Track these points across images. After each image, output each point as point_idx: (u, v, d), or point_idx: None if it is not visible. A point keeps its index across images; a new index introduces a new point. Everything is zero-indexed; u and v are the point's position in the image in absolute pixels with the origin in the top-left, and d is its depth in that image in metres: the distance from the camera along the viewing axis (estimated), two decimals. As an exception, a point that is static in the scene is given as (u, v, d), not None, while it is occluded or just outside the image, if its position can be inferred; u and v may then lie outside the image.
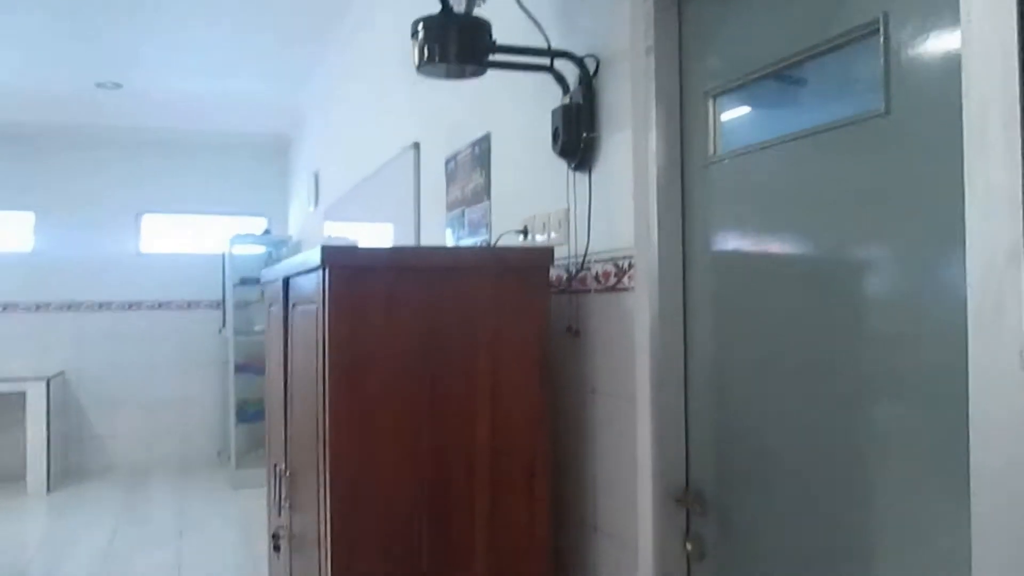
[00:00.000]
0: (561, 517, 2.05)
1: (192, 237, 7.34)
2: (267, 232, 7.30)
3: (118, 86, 5.66)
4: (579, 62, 1.89)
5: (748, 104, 1.58)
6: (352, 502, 1.71)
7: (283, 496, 2.08)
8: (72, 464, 6.74)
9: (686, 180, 1.70)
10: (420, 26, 1.86)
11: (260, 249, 7.05)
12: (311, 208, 6.24)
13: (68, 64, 5.20)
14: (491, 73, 1.99)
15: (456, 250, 2.45)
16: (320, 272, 1.73)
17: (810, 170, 1.38)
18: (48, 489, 6.11)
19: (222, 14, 4.38)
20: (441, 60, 1.85)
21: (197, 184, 7.19)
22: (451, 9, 1.84)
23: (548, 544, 1.90)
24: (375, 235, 4.35)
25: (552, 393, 1.92)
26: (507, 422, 1.83)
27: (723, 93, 1.61)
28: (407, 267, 1.77)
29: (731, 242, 1.59)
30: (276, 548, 2.01)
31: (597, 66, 1.88)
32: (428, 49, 1.84)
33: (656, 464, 1.70)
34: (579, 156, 1.90)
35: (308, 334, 1.91)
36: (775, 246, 1.48)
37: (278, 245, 7.03)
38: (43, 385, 6.13)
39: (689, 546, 1.68)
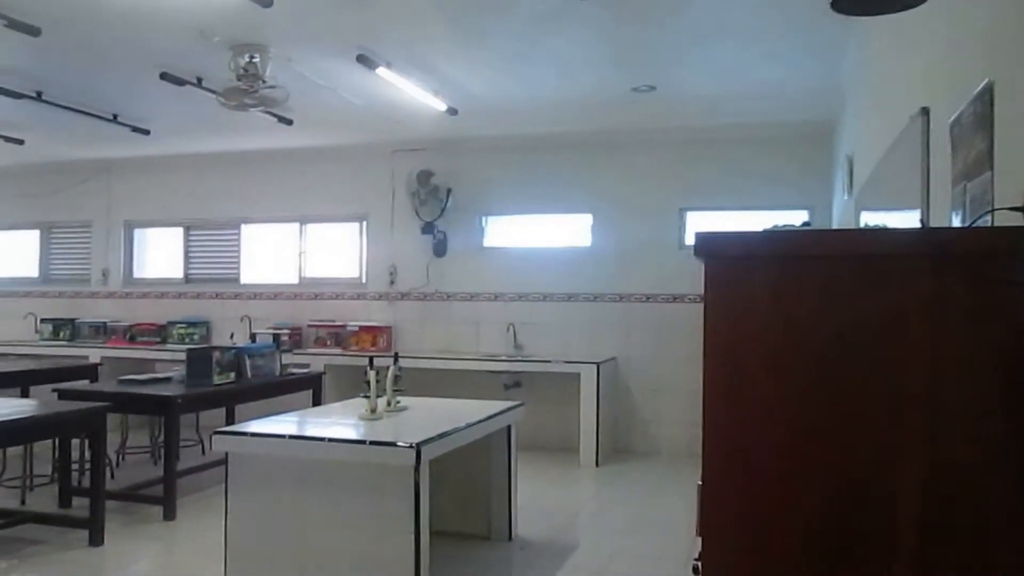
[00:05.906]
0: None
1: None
2: (806, 224, 6.91)
3: (652, 88, 5.93)
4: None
5: None
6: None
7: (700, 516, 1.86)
8: (620, 442, 7.34)
9: None
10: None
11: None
12: (845, 196, 5.71)
13: (602, 73, 5.62)
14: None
15: (867, 233, 1.94)
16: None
17: None
18: (597, 463, 6.75)
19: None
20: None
21: (737, 178, 7.14)
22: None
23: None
24: (896, 224, 3.75)
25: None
26: (950, 473, 1.34)
27: None
28: (798, 255, 1.42)
29: None
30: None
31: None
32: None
33: None
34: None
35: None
36: None
37: (816, 238, 6.59)
38: (594, 369, 6.78)
39: None
